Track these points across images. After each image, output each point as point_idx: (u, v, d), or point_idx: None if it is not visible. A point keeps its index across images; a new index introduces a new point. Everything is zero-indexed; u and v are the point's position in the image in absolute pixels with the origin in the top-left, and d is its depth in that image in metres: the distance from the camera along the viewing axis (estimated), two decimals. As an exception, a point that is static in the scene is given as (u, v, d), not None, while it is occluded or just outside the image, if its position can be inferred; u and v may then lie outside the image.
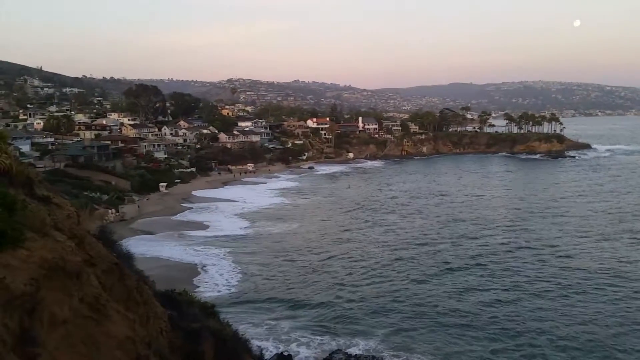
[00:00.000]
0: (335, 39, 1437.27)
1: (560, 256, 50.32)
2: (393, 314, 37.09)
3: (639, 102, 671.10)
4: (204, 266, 48.75)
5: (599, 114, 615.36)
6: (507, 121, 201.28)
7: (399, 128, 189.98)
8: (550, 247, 53.58)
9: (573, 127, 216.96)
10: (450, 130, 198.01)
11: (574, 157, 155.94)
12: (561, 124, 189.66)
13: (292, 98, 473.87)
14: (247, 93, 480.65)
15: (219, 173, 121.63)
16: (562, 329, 33.72)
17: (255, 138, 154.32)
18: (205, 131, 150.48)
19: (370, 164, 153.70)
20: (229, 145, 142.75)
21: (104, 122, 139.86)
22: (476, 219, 69.43)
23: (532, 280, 43.48)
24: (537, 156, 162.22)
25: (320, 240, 60.77)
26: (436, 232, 62.77)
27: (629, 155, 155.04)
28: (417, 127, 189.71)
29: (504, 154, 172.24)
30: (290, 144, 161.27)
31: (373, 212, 76.86)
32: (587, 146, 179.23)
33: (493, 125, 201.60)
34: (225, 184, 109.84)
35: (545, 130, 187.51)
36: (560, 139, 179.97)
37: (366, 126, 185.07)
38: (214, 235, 62.04)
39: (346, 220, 71.81)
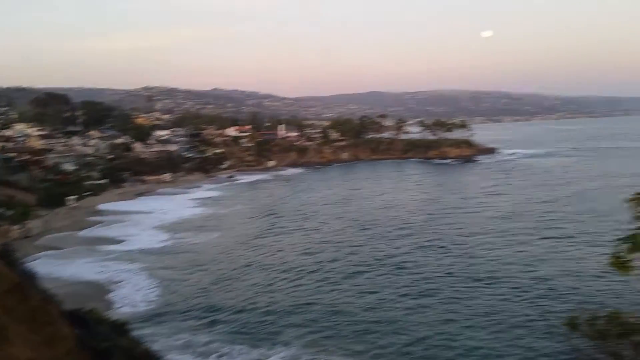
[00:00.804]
0: (254, 47, 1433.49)
1: (470, 255, 53.06)
2: (312, 319, 37.80)
3: (544, 108, 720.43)
4: (119, 282, 47.27)
5: (506, 120, 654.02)
6: (422, 128, 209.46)
7: (320, 135, 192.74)
8: (460, 245, 56.47)
9: (482, 133, 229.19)
10: (369, 137, 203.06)
11: (481, 161, 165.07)
12: (470, 130, 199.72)
13: (211, 106, 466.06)
14: (164, 101, 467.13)
15: (134, 184, 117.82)
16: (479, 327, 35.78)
17: (173, 147, 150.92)
18: (118, 141, 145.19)
19: (291, 171, 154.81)
20: (144, 155, 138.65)
21: (9, 133, 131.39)
22: (392, 220, 71.87)
23: (449, 279, 45.67)
24: (449, 161, 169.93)
25: (240, 248, 60.62)
26: (354, 235, 64.39)
27: (530, 158, 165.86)
28: (338, 134, 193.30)
29: (419, 159, 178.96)
30: (209, 153, 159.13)
31: (293, 219, 77.67)
32: (494, 150, 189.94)
33: (408, 132, 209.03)
34: (140, 195, 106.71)
35: (456, 137, 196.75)
36: (469, 144, 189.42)
37: (287, 134, 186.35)
38: (128, 249, 60.20)
39: (267, 228, 72.04)
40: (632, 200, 5.80)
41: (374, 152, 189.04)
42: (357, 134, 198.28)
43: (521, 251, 53.41)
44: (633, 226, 5.84)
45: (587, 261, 47.11)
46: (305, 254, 56.81)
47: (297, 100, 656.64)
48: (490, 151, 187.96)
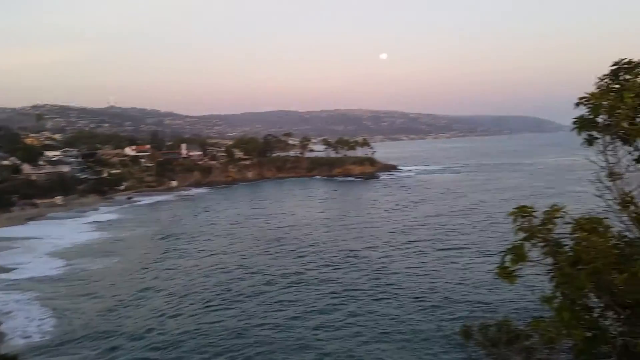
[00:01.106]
0: (154, 64, 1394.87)
1: (373, 268, 54.53)
2: (214, 343, 36.88)
3: (438, 127, 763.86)
4: (8, 313, 43.58)
5: (404, 138, 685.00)
6: (326, 146, 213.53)
7: (224, 154, 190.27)
8: (364, 259, 57.95)
9: (382, 151, 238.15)
10: (274, 155, 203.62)
11: (382, 177, 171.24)
12: (372, 148, 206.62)
13: (107, 125, 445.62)
14: (56, 120, 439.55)
15: (23, 208, 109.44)
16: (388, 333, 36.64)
17: (66, 168, 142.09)
18: (5, 162, 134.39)
19: (195, 191, 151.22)
20: (34, 177, 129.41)
21: None
22: (298, 238, 72.27)
23: (354, 292, 46.49)
24: (352, 178, 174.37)
25: (139, 273, 58.20)
26: (260, 254, 63.97)
27: (428, 174, 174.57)
28: (242, 153, 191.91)
29: (324, 177, 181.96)
30: (106, 174, 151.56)
31: (195, 240, 75.77)
32: (394, 167, 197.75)
33: (313, 150, 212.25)
34: (31, 220, 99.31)
35: (359, 154, 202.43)
36: (372, 161, 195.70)
37: (190, 153, 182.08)
38: (19, 277, 55.91)
39: (166, 251, 69.73)
40: (512, 213, 6.24)
41: (280, 171, 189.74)
42: (263, 153, 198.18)
43: (421, 263, 55.98)
44: (515, 238, 6.29)
45: (478, 271, 50.26)
46: (208, 275, 55.60)
47: (200, 118, 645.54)
48: (390, 168, 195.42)
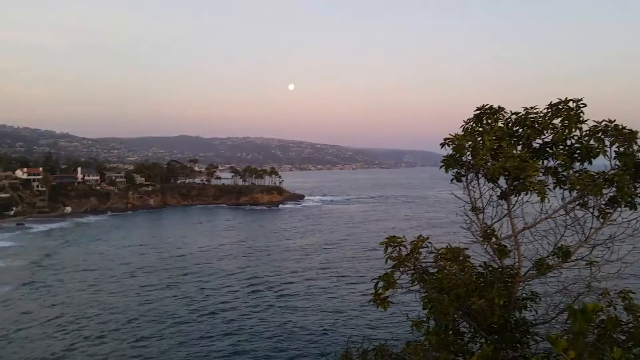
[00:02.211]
0: (49, 80, 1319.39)
1: (280, 294, 54.44)
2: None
3: (343, 158, 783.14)
4: None
5: (312, 168, 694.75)
6: (233, 174, 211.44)
7: (124, 180, 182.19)
8: (269, 284, 57.75)
9: (290, 180, 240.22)
10: (179, 182, 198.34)
11: (290, 206, 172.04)
12: (280, 177, 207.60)
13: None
14: None
15: None
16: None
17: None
18: None
19: (92, 218, 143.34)
20: None
21: None
22: (202, 268, 70.48)
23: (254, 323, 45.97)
24: (260, 207, 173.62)
25: (30, 304, 53.83)
26: (161, 286, 61.57)
27: (334, 204, 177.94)
28: (144, 178, 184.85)
29: (230, 205, 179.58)
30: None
31: (94, 271, 71.56)
32: (302, 197, 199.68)
33: (220, 178, 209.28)
34: None
35: (267, 183, 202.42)
36: (280, 190, 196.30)
37: (86, 177, 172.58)
38: None
39: (62, 281, 65.20)
40: (382, 243, 6.70)
41: (185, 198, 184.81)
42: (166, 179, 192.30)
43: (310, 286, 56.98)
44: (387, 266, 6.72)
45: (360, 297, 52.09)
46: (105, 308, 52.60)
47: (97, 141, 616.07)
48: (298, 198, 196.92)
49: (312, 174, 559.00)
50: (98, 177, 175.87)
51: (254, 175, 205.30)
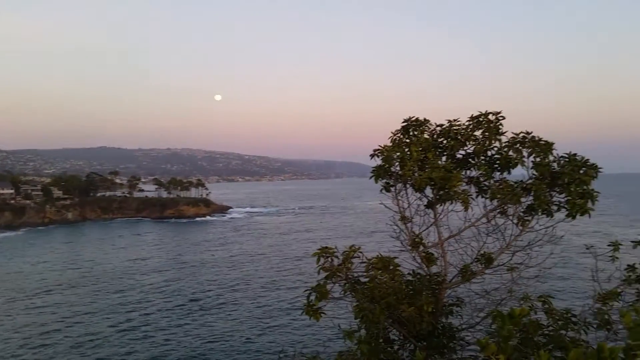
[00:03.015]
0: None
1: (203, 309, 53.16)
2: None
3: (272, 170, 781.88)
4: None
5: (239, 179, 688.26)
6: (157, 186, 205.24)
7: (41, 193, 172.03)
8: (195, 297, 56.25)
9: (218, 192, 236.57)
10: (99, 195, 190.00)
11: (217, 219, 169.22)
12: (207, 189, 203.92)
13: None
14: None
15: None
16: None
17: None
18: None
19: (6, 234, 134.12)
20: None
21: None
22: (124, 283, 67.67)
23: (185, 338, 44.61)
24: (186, 220, 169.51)
25: None
26: (80, 304, 58.47)
27: (263, 216, 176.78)
28: (62, 192, 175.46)
29: (154, 218, 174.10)
30: None
31: (7, 291, 66.83)
32: (229, 209, 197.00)
33: (143, 190, 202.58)
34: None
35: (193, 195, 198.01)
36: (206, 202, 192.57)
37: (0, 191, 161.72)
38: None
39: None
40: (315, 254, 6.70)
41: (105, 212, 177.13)
42: (85, 192, 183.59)
43: (237, 298, 56.19)
44: (319, 277, 6.72)
45: (289, 307, 52.17)
46: (7, 329, 49.19)
47: (12, 153, 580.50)
48: (225, 209, 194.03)
49: (240, 185, 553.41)
50: (13, 191, 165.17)
51: (179, 188, 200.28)
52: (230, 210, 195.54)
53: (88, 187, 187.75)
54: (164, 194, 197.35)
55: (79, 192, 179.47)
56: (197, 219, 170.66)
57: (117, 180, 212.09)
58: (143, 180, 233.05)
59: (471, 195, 7.70)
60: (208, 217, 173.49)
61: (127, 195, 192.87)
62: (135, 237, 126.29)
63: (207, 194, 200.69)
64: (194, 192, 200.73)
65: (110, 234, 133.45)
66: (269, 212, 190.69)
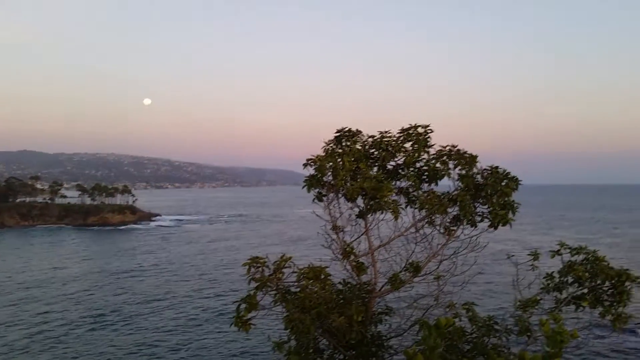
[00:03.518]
0: None
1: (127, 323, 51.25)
2: None
3: (203, 177, 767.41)
4: None
5: (169, 186, 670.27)
6: (80, 192, 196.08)
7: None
8: (118, 307, 54.08)
9: (145, 199, 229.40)
10: (19, 201, 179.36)
11: (144, 227, 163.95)
12: (133, 195, 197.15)
13: None
14: None
15: None
16: None
17: None
18: None
19: None
20: None
21: None
22: (44, 293, 64.07)
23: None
24: (111, 228, 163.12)
25: None
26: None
27: (193, 224, 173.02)
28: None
29: (77, 226, 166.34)
30: None
31: None
32: (157, 216, 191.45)
33: (65, 197, 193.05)
34: None
35: (118, 202, 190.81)
36: (133, 210, 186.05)
37: None
38: None
39: None
40: (245, 264, 6.61)
41: (24, 218, 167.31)
42: (4, 198, 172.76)
43: (162, 308, 54.75)
44: (249, 287, 6.63)
45: (217, 317, 51.42)
46: None
47: None
48: (153, 217, 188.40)
49: (170, 192, 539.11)
50: None
51: (104, 194, 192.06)
52: (158, 217, 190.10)
53: (7, 193, 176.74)
54: (88, 201, 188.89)
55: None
56: (123, 227, 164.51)
57: (38, 186, 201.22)
58: (66, 186, 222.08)
59: (401, 205, 7.87)
60: (134, 225, 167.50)
61: (49, 201, 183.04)
62: (56, 245, 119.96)
63: (133, 201, 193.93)
64: (119, 199, 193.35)
65: (29, 241, 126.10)
66: (199, 220, 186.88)
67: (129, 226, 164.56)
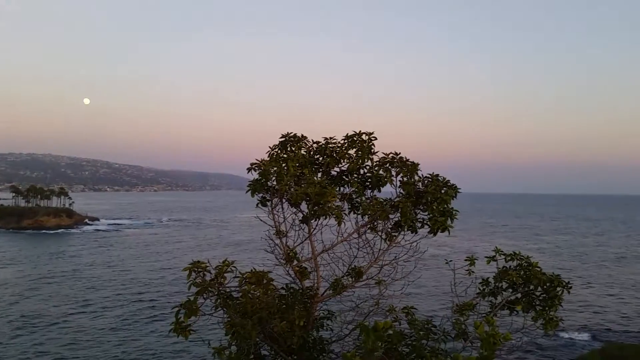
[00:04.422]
0: None
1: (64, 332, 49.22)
2: None
3: (144, 180, 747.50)
4: None
5: (108, 189, 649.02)
6: (14, 194, 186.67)
7: None
8: (50, 316, 51.87)
9: (83, 202, 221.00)
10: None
11: (81, 231, 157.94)
12: (70, 198, 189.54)
13: None
14: None
15: None
16: None
17: None
18: None
19: None
20: None
21: None
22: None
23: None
24: (46, 231, 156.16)
25: None
26: None
27: (132, 228, 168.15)
28: None
29: (9, 229, 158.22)
30: None
31: None
32: (96, 220, 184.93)
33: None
34: None
35: (54, 205, 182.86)
36: (69, 213, 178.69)
37: None
38: None
39: None
40: (186, 269, 6.51)
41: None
42: None
43: (98, 315, 52.97)
44: (190, 293, 6.54)
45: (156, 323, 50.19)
46: None
47: None
48: (90, 220, 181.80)
49: (109, 195, 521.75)
50: None
51: (39, 196, 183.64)
52: (96, 221, 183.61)
53: None
54: (22, 203, 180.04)
55: None
56: (59, 230, 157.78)
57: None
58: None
59: (344, 211, 7.96)
60: (71, 229, 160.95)
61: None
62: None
63: (70, 204, 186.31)
64: (55, 202, 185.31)
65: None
66: (139, 225, 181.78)
67: (65, 230, 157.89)
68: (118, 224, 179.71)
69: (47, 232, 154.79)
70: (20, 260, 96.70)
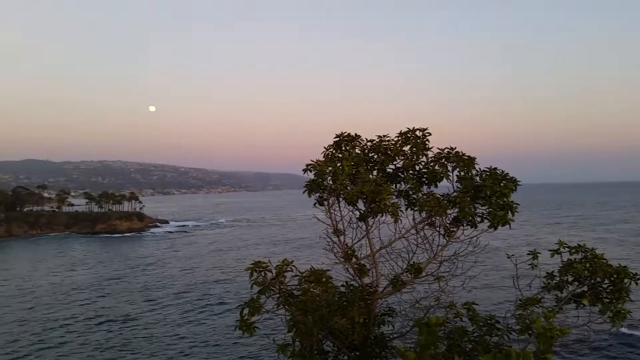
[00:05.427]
0: None
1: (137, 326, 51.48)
2: None
3: (209, 182, 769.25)
4: None
5: (175, 192, 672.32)
6: (87, 200, 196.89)
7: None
8: (125, 315, 54.28)
9: (153, 206, 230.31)
10: (26, 210, 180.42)
11: (152, 233, 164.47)
12: (141, 202, 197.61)
13: None
14: None
15: None
16: None
17: None
18: None
19: None
20: None
21: None
22: (50, 303, 64.41)
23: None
24: (118, 235, 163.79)
25: None
26: (11, 322, 55.13)
27: (200, 229, 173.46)
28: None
29: (85, 233, 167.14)
30: None
31: None
32: (165, 222, 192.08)
33: (73, 205, 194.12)
34: None
35: (126, 209, 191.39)
36: (140, 216, 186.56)
37: None
38: None
39: None
40: (248, 268, 6.74)
41: (32, 227, 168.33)
42: (12, 207, 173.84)
43: (170, 313, 54.81)
44: (253, 291, 6.75)
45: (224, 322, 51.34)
46: None
47: None
48: (160, 223, 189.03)
49: (176, 198, 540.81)
50: None
51: (111, 201, 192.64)
52: (165, 223, 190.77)
53: (14, 202, 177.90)
54: (95, 208, 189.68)
55: (5, 207, 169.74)
56: (130, 233, 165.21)
57: (45, 194, 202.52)
58: (73, 194, 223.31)
59: (401, 207, 7.98)
60: (142, 232, 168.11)
61: (56, 209, 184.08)
62: (64, 253, 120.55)
63: (141, 208, 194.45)
64: (127, 206, 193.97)
65: (37, 250, 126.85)
66: (206, 225, 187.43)
67: (136, 233, 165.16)
68: (187, 225, 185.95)
69: (120, 235, 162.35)
70: (96, 264, 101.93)
